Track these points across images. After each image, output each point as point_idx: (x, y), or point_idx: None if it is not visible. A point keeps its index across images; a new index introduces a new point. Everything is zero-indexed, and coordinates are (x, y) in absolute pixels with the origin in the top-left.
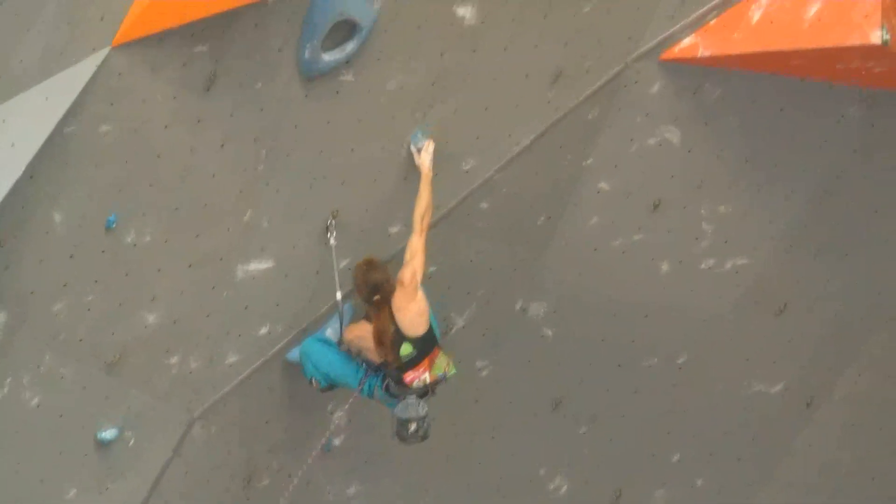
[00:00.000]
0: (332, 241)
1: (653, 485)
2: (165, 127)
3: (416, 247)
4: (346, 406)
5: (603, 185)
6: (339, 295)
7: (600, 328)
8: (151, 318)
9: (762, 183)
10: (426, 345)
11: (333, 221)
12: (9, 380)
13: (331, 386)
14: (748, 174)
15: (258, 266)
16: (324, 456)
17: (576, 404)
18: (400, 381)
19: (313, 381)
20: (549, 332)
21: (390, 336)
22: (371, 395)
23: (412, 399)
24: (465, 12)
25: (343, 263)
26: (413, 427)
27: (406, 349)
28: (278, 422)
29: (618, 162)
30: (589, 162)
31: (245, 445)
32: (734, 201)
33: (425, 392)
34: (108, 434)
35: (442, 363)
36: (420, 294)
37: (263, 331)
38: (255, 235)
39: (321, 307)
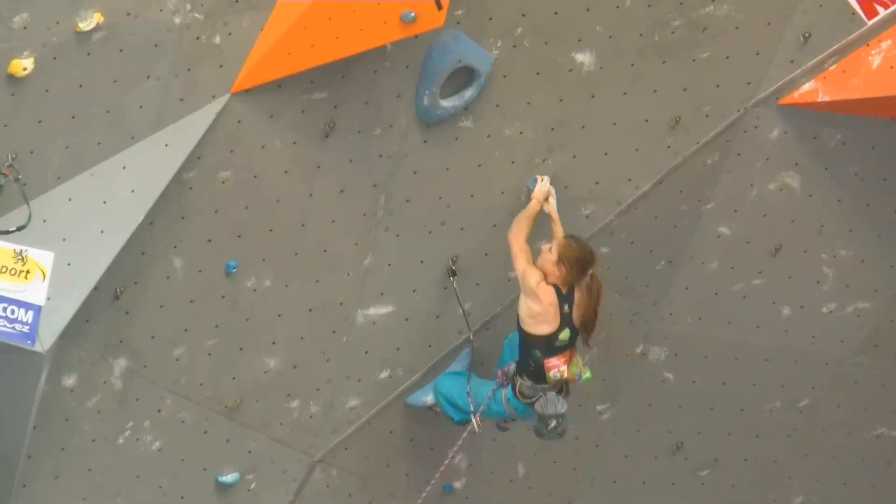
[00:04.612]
0: (454, 283)
1: None
2: (285, 172)
3: None
4: (458, 443)
5: (723, 230)
6: (471, 335)
7: (721, 372)
8: (272, 363)
9: (882, 228)
10: (574, 340)
11: (454, 267)
12: (130, 424)
13: (467, 419)
14: (868, 219)
15: (378, 311)
16: (444, 498)
17: (697, 448)
18: (540, 368)
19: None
20: (670, 376)
21: (594, 310)
22: (501, 413)
23: (552, 395)
24: (584, 58)
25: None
26: (553, 423)
27: (565, 334)
28: (399, 465)
29: (738, 207)
30: (709, 206)
31: (366, 489)
32: (854, 246)
33: (560, 388)
34: (230, 478)
35: (578, 363)
36: None
37: (384, 375)
38: (374, 280)
39: (441, 351)
